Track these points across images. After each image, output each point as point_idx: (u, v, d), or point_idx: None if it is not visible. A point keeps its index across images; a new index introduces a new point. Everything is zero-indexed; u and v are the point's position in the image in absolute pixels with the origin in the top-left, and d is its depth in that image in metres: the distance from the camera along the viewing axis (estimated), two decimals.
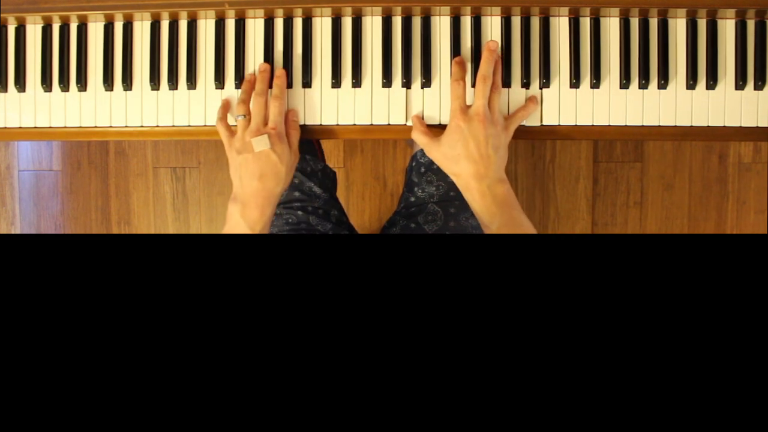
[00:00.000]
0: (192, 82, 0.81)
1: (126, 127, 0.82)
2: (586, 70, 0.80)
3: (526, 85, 0.80)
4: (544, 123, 0.81)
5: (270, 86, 0.79)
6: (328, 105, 0.81)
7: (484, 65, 0.77)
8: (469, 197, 0.76)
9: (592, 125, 0.81)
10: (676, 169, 1.55)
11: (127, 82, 0.82)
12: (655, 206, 1.55)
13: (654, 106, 0.80)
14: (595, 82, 0.80)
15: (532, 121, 0.80)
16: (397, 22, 0.81)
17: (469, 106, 0.76)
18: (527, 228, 0.76)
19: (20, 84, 0.83)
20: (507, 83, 0.80)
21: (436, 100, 0.81)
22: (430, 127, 0.80)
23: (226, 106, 0.80)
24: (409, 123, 0.80)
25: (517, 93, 0.80)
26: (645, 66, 0.80)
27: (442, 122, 0.81)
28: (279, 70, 0.80)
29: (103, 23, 0.82)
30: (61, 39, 0.82)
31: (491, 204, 0.74)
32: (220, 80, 0.81)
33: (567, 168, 1.54)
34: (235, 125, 0.79)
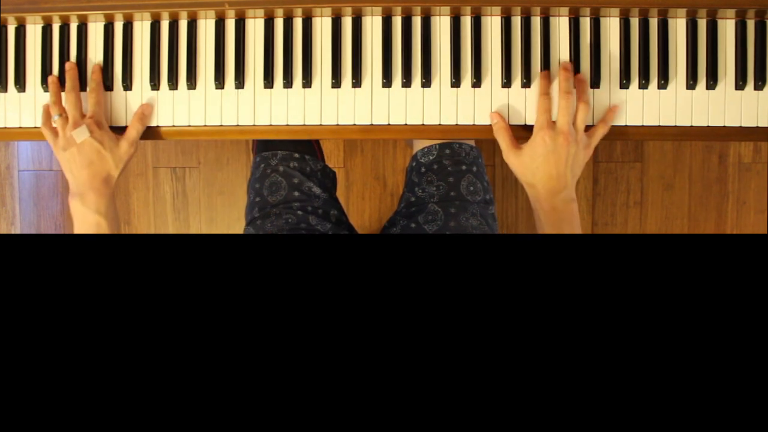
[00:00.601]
0: (192, 82, 0.81)
1: (126, 126, 0.82)
2: (586, 70, 0.80)
3: (526, 84, 0.80)
4: None
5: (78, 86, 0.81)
6: (328, 105, 0.81)
7: (563, 83, 0.78)
8: (538, 207, 0.79)
9: (592, 125, 0.81)
10: (676, 169, 1.55)
11: (127, 82, 0.82)
12: (655, 206, 1.55)
13: (654, 106, 0.80)
14: (595, 82, 0.80)
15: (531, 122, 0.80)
16: (397, 22, 0.81)
17: (554, 122, 0.77)
18: None
19: (20, 84, 0.83)
20: (507, 84, 0.80)
21: (436, 100, 0.81)
22: (429, 127, 0.80)
23: (47, 111, 0.82)
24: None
25: (517, 93, 0.80)
26: (645, 66, 0.80)
27: (442, 123, 0.81)
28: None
29: (103, 23, 0.82)
30: (61, 39, 0.82)
31: (558, 220, 0.77)
32: (220, 80, 0.81)
33: None
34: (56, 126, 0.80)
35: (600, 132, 0.80)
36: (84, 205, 0.78)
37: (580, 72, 0.80)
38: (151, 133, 0.83)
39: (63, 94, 0.81)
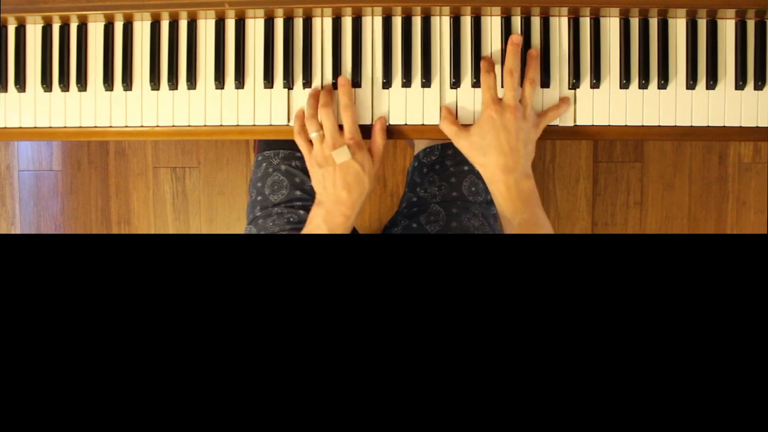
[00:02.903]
0: (192, 82, 0.81)
1: (126, 127, 0.82)
2: (586, 70, 0.80)
3: None
4: None
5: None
6: None
7: (509, 58, 0.77)
8: (494, 189, 0.76)
9: (592, 125, 0.81)
10: (676, 169, 1.55)
11: (127, 82, 0.82)
12: (655, 206, 1.55)
13: (654, 106, 0.80)
14: (595, 82, 0.80)
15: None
16: (397, 22, 0.81)
17: (500, 99, 0.76)
18: (547, 228, 0.76)
19: (20, 84, 0.83)
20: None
21: (436, 100, 0.81)
22: (429, 127, 0.80)
23: (300, 117, 0.79)
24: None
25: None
26: (645, 66, 0.80)
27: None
28: (342, 79, 0.79)
29: (103, 23, 0.82)
30: (61, 39, 0.82)
31: (516, 199, 0.75)
32: (220, 80, 0.81)
33: (567, 168, 1.54)
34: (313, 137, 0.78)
35: (550, 115, 0.78)
36: (324, 222, 0.77)
37: (580, 72, 0.80)
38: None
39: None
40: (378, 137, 0.79)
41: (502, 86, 0.77)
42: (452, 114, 0.79)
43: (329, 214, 0.77)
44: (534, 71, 0.78)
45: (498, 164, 0.75)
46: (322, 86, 0.80)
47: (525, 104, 0.76)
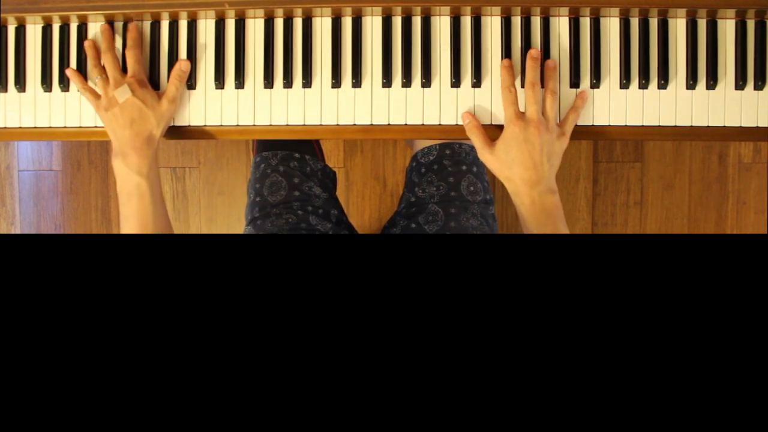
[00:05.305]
0: (192, 81, 0.81)
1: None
2: (586, 70, 0.80)
3: None
4: None
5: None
6: (328, 105, 0.81)
7: (530, 73, 0.78)
8: (519, 202, 0.77)
9: (592, 125, 0.81)
10: (676, 169, 1.55)
11: None
12: (655, 206, 1.55)
13: (654, 106, 0.80)
14: (595, 82, 0.80)
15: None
16: (397, 22, 0.81)
17: (523, 113, 0.77)
18: None
19: (20, 84, 0.83)
20: None
21: (436, 100, 0.81)
22: (429, 127, 0.80)
23: (76, 75, 0.81)
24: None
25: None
26: (645, 66, 0.80)
27: (442, 123, 0.81)
28: (131, 24, 0.81)
29: (103, 23, 0.82)
30: (61, 39, 0.82)
31: (540, 213, 0.76)
32: (220, 80, 0.81)
33: (567, 168, 1.54)
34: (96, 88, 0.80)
35: (571, 119, 0.79)
36: (126, 166, 0.77)
37: (580, 72, 0.80)
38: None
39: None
40: (173, 78, 0.80)
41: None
42: (479, 123, 0.79)
43: (125, 157, 0.77)
44: (554, 82, 0.79)
45: (522, 178, 0.76)
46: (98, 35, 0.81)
47: (548, 117, 0.77)
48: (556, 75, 0.79)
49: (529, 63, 0.78)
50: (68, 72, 0.81)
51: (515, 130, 0.76)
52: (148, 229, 0.77)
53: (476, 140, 0.79)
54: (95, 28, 0.82)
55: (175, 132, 0.82)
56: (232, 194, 1.57)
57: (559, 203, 0.77)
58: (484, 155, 0.79)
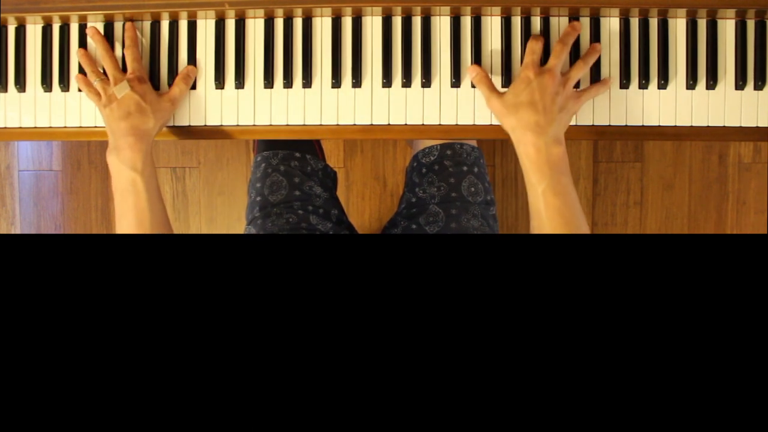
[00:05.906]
0: (192, 81, 0.81)
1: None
2: (586, 70, 0.80)
3: None
4: None
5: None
6: (328, 105, 0.81)
7: (565, 36, 0.77)
8: (522, 152, 0.74)
9: (592, 125, 0.81)
10: (676, 169, 1.55)
11: None
12: (655, 206, 1.55)
13: (654, 106, 0.80)
14: (596, 82, 0.80)
15: None
16: (397, 22, 0.81)
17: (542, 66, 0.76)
18: (573, 197, 0.73)
19: (20, 84, 0.83)
20: (507, 83, 0.80)
21: (436, 100, 0.81)
22: (429, 127, 0.80)
23: (82, 80, 0.81)
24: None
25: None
26: (645, 66, 0.80)
27: (442, 123, 0.81)
28: (128, 24, 0.81)
29: (103, 23, 0.82)
30: (61, 39, 0.82)
31: (543, 163, 0.72)
32: (220, 80, 0.81)
33: None
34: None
35: (592, 90, 0.77)
36: (120, 161, 0.76)
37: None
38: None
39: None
40: (179, 80, 0.81)
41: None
42: (485, 73, 0.79)
43: (120, 152, 0.76)
44: (592, 59, 0.78)
45: (529, 123, 0.72)
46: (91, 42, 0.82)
47: (567, 77, 0.76)
48: (596, 56, 0.79)
49: (568, 29, 0.78)
50: (75, 78, 0.82)
51: (529, 74, 0.74)
52: (144, 227, 0.76)
53: (484, 89, 0.78)
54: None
55: (175, 132, 0.83)
56: (232, 194, 1.57)
57: (566, 156, 0.74)
58: (492, 101, 0.77)
